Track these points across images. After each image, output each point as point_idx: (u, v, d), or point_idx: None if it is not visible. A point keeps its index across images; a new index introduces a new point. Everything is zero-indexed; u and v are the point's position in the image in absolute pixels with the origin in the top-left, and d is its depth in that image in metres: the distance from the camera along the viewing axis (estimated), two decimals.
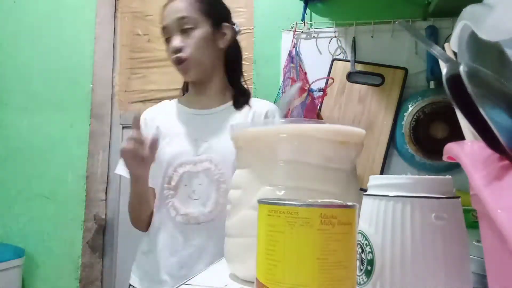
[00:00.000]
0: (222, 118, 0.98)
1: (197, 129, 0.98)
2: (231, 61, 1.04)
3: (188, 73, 0.96)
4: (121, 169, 0.97)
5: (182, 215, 0.93)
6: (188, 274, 0.87)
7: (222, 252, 0.88)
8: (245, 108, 1.00)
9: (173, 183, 0.94)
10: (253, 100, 1.03)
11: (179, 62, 0.94)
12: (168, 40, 0.97)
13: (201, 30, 0.95)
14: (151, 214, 0.99)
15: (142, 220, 0.99)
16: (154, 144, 0.85)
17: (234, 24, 1.05)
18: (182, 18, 0.95)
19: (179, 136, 0.97)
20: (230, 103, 1.00)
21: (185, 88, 1.10)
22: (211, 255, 0.92)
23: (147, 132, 0.96)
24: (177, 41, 0.94)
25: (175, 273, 0.92)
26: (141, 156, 0.84)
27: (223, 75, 1.03)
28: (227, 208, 0.61)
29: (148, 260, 0.97)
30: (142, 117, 1.00)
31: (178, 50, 0.93)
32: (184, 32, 0.94)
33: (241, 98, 1.01)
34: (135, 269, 1.01)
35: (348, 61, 1.40)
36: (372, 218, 0.40)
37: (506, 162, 0.29)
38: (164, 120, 1.00)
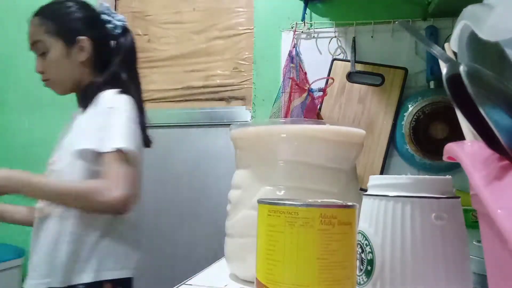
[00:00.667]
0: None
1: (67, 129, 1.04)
2: (126, 61, 1.03)
3: (56, 90, 1.02)
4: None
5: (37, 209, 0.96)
6: None
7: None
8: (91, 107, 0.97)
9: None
10: (102, 98, 0.97)
11: (45, 81, 1.00)
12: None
13: (53, 52, 0.96)
14: None
15: None
16: None
17: (103, 27, 1.01)
18: (34, 43, 0.97)
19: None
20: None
21: None
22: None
23: None
24: (38, 65, 0.98)
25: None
26: None
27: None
28: (227, 208, 0.61)
29: None
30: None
31: (41, 73, 0.99)
32: (41, 55, 0.97)
33: (83, 97, 1.01)
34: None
35: (348, 61, 1.40)
36: (372, 218, 0.40)
37: (506, 162, 0.29)
38: None
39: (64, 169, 0.93)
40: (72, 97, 1.83)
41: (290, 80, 1.41)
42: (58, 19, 0.97)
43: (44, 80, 0.99)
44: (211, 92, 1.61)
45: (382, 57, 1.37)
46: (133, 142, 0.86)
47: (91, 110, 0.95)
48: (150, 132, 1.01)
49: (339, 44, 1.44)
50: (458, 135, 0.37)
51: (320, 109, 1.39)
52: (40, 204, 0.95)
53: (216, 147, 1.58)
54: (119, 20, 1.03)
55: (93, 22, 1.00)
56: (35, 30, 0.96)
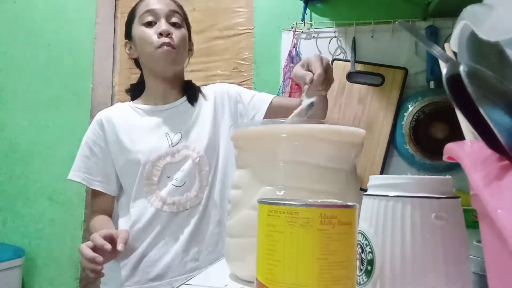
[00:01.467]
0: (183, 111, 1.01)
1: (164, 123, 0.99)
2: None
3: (176, 61, 0.97)
4: (76, 175, 1.00)
5: (169, 204, 0.93)
6: (197, 257, 0.92)
7: (215, 236, 0.95)
8: (201, 100, 1.04)
9: (155, 178, 0.94)
10: (204, 89, 1.08)
11: (171, 46, 0.94)
12: (150, 24, 0.96)
13: (185, 31, 0.99)
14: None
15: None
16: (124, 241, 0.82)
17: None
18: (175, 11, 0.97)
19: (147, 133, 0.97)
20: (184, 98, 1.03)
21: (133, 92, 1.10)
22: (204, 238, 0.94)
23: (104, 134, 0.98)
24: (168, 27, 0.94)
25: (179, 262, 0.92)
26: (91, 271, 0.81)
27: (183, 76, 1.08)
28: (227, 208, 0.61)
29: (137, 259, 0.93)
30: (96, 119, 1.01)
31: (169, 34, 0.94)
32: (171, 25, 0.96)
33: (193, 94, 1.04)
34: (113, 273, 0.95)
35: (348, 61, 1.40)
36: (372, 218, 0.40)
37: (506, 162, 0.29)
38: (123, 120, 1.00)
39: (204, 156, 0.96)
40: (72, 97, 1.81)
41: (290, 80, 1.41)
42: (184, 12, 1.03)
43: (168, 45, 0.93)
44: None
45: (382, 57, 1.37)
46: None
47: (208, 103, 1.03)
48: None
49: (339, 44, 1.44)
50: (458, 135, 0.37)
51: None
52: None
53: None
54: None
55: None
56: (177, 5, 1.00)
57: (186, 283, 0.55)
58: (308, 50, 1.46)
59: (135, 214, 0.95)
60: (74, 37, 1.79)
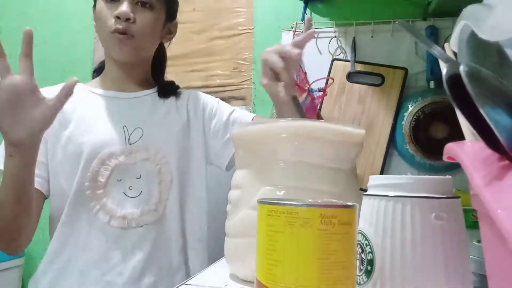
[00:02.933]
0: (150, 104, 0.87)
1: (123, 114, 0.83)
2: (159, 56, 0.95)
3: (131, 52, 0.82)
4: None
5: (119, 217, 0.76)
6: None
7: (173, 265, 0.78)
8: (171, 98, 0.90)
9: (101, 179, 0.76)
10: (182, 90, 0.96)
11: (125, 34, 0.79)
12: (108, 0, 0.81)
13: (156, 15, 0.84)
14: (33, 229, 0.78)
15: (21, 234, 0.73)
16: (68, 90, 0.66)
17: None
18: None
19: (100, 122, 0.81)
20: (154, 90, 0.90)
21: (98, 72, 0.94)
22: (160, 267, 0.77)
23: None
24: (128, 8, 0.79)
25: None
26: (35, 99, 0.63)
27: (150, 64, 0.93)
28: (227, 208, 0.61)
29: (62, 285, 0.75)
30: None
31: (128, 19, 0.79)
32: (137, 6, 0.81)
33: (167, 87, 0.92)
34: None
35: (348, 61, 1.40)
36: (372, 218, 0.40)
37: (506, 162, 0.29)
38: (72, 103, 0.78)
39: (170, 162, 0.82)
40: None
41: None
42: None
43: (126, 31, 0.79)
44: (211, 92, 1.60)
45: (382, 57, 1.37)
46: None
47: (176, 102, 0.91)
48: None
49: (339, 44, 1.44)
50: (458, 135, 0.37)
51: (320, 109, 1.39)
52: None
53: None
54: None
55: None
56: None
57: (186, 283, 0.55)
58: (308, 50, 1.45)
59: (69, 226, 0.76)
60: (74, 37, 1.79)
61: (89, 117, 0.82)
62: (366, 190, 0.43)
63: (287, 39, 1.48)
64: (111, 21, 0.80)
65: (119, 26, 0.79)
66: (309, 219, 0.32)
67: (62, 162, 0.78)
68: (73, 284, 0.75)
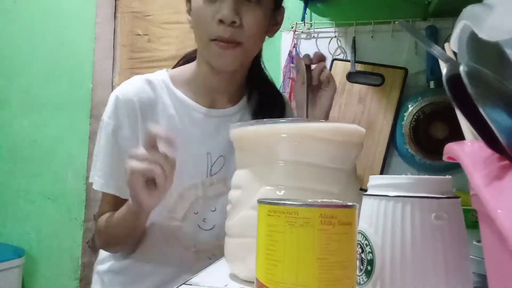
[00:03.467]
0: (240, 119, 0.76)
1: (209, 136, 0.73)
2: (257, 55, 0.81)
3: (235, 62, 0.69)
4: (101, 184, 0.71)
5: (191, 251, 0.74)
6: None
7: None
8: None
9: (180, 212, 0.71)
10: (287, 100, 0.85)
11: (231, 44, 0.66)
12: None
13: (264, 8, 0.69)
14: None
15: (128, 246, 0.75)
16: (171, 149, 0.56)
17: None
18: None
19: (187, 145, 0.70)
20: (244, 100, 0.78)
21: (182, 62, 0.81)
22: None
23: (128, 121, 0.70)
24: (233, 9, 0.64)
25: None
26: (160, 180, 0.56)
27: (248, 68, 0.78)
28: (227, 208, 0.61)
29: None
30: (114, 100, 0.71)
31: (234, 22, 0.65)
32: (242, 4, 0.66)
33: (268, 103, 0.76)
34: None
35: (348, 61, 1.40)
36: (372, 218, 0.39)
37: (506, 162, 0.29)
38: (165, 112, 0.71)
39: None
40: (72, 97, 1.80)
41: (290, 80, 1.41)
42: None
43: (232, 41, 0.67)
44: None
45: (382, 57, 1.37)
46: None
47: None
48: None
49: (339, 44, 1.44)
50: (458, 135, 0.37)
51: None
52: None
53: None
54: None
55: None
56: None
57: (186, 283, 0.55)
58: (308, 50, 1.45)
59: (143, 245, 0.74)
60: (74, 37, 1.79)
61: (178, 135, 0.67)
62: (366, 190, 0.43)
63: (287, 39, 1.48)
64: (212, 26, 0.66)
65: (223, 34, 0.65)
66: (309, 219, 0.32)
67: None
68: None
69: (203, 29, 0.67)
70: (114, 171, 0.71)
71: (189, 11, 0.74)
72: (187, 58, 0.82)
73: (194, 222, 0.73)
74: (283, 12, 0.78)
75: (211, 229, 0.73)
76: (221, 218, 0.68)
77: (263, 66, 0.85)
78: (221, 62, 0.69)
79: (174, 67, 0.82)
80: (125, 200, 0.71)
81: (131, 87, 0.72)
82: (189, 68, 0.78)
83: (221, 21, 0.65)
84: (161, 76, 0.75)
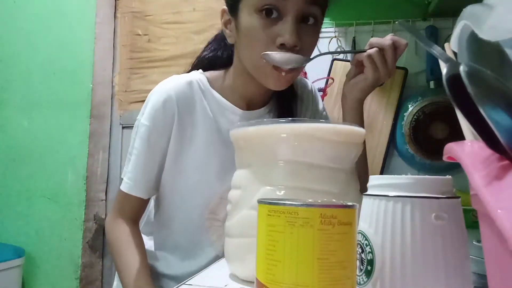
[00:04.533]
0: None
1: None
2: None
3: (287, 85, 0.69)
4: (129, 186, 0.73)
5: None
6: None
7: None
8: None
9: (220, 214, 0.72)
10: (303, 89, 0.84)
11: (290, 70, 0.65)
12: (269, 13, 0.63)
13: (319, 30, 0.71)
14: None
15: None
16: None
17: None
18: (313, 3, 0.66)
19: (226, 148, 0.70)
20: (274, 101, 0.79)
21: (210, 62, 0.80)
22: None
23: (172, 121, 0.70)
24: (296, 35, 0.63)
25: None
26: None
27: None
28: (227, 208, 0.61)
29: None
30: (152, 101, 0.71)
31: (295, 47, 0.63)
32: (302, 23, 0.65)
33: (287, 107, 0.78)
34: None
35: (348, 61, 1.40)
36: (372, 218, 0.39)
37: (506, 162, 0.29)
38: (205, 112, 0.72)
39: None
40: (72, 97, 1.79)
41: None
42: None
43: (287, 71, 0.65)
44: None
45: None
46: None
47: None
48: None
49: (339, 44, 1.44)
50: (458, 135, 0.37)
51: None
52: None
53: None
54: None
55: None
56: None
57: (186, 283, 0.55)
58: None
59: (186, 252, 0.76)
60: (74, 37, 1.79)
61: (214, 137, 0.72)
62: (366, 190, 0.43)
63: None
64: (272, 49, 0.63)
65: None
66: (309, 219, 0.32)
67: (183, 183, 0.73)
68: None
69: (259, 49, 0.64)
70: (144, 175, 0.73)
71: (228, 22, 0.72)
72: (200, 60, 0.82)
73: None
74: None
75: None
76: None
77: None
78: (276, 85, 0.68)
79: (192, 68, 0.81)
80: (147, 202, 0.76)
81: (170, 86, 0.72)
82: (225, 73, 0.78)
83: (282, 45, 0.63)
84: (199, 76, 0.75)
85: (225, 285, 0.54)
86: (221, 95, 0.75)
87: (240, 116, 0.74)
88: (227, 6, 0.71)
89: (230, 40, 0.72)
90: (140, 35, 1.74)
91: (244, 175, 0.58)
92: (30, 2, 1.84)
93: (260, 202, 0.36)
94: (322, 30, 1.44)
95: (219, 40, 0.82)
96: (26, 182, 1.76)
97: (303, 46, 0.65)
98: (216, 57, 0.80)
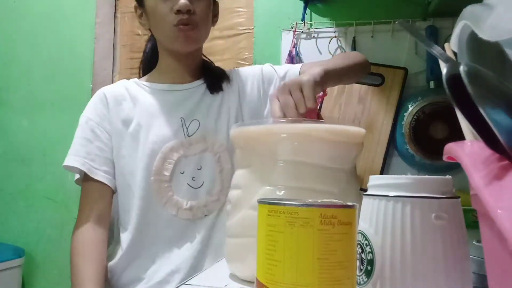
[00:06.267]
0: (202, 94, 0.88)
1: (179, 106, 0.85)
2: None
3: (196, 42, 0.84)
4: (74, 160, 0.83)
5: (185, 210, 0.80)
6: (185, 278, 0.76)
7: (223, 246, 0.79)
8: (224, 85, 0.91)
9: (166, 173, 0.79)
10: (229, 73, 0.95)
11: (190, 25, 0.80)
12: None
13: (207, 1, 0.85)
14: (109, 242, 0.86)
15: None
16: None
17: None
18: None
19: (159, 117, 0.83)
20: (202, 79, 0.90)
21: (146, 65, 0.96)
22: (215, 248, 0.81)
23: (109, 115, 0.84)
24: (187, 1, 0.79)
25: (169, 278, 0.79)
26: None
27: (201, 53, 0.94)
28: (227, 208, 0.61)
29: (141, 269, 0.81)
30: (99, 95, 0.87)
31: (189, 11, 0.79)
32: None
33: (218, 79, 0.91)
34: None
35: None
36: (372, 218, 0.40)
37: (506, 162, 0.29)
38: (132, 101, 0.85)
39: (223, 153, 0.83)
40: (72, 97, 1.79)
41: None
42: None
43: (190, 22, 0.80)
44: None
45: (382, 57, 1.37)
46: None
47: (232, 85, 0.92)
48: None
49: (339, 44, 1.44)
50: (458, 135, 0.37)
51: (320, 109, 1.39)
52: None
53: None
54: None
55: None
56: None
57: (186, 283, 0.55)
58: (308, 50, 1.46)
59: (141, 220, 0.81)
60: (74, 37, 1.79)
61: (149, 113, 0.84)
62: (366, 190, 0.43)
63: (287, 39, 1.48)
64: (171, 16, 0.79)
65: (183, 18, 0.79)
66: (309, 219, 0.32)
67: (127, 159, 0.82)
68: (144, 271, 0.81)
69: (163, 19, 0.80)
70: (82, 146, 0.84)
71: (140, 15, 0.90)
72: (146, 60, 0.97)
73: (183, 182, 0.81)
74: (218, 7, 0.93)
75: (200, 186, 0.81)
76: (208, 174, 0.82)
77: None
78: (185, 44, 0.82)
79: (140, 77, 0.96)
80: (107, 194, 0.84)
81: (103, 88, 0.89)
82: (155, 66, 0.93)
83: (178, 11, 0.79)
84: (131, 80, 0.91)
85: (225, 285, 0.54)
86: (150, 81, 0.89)
87: (168, 90, 0.87)
88: (136, 1, 0.90)
89: (145, 28, 0.89)
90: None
91: (244, 175, 0.58)
92: (30, 2, 1.84)
93: (260, 202, 0.36)
94: (322, 30, 1.46)
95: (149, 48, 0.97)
96: (26, 182, 1.76)
97: (196, 8, 0.81)
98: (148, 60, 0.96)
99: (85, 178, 0.84)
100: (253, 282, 0.36)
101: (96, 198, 0.83)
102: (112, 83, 1.76)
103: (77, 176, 0.87)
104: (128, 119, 0.84)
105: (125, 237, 0.83)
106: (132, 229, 0.82)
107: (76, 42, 1.78)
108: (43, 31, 1.81)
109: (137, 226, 0.82)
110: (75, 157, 0.84)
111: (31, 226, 1.73)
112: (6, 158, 1.80)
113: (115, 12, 1.79)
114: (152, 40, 0.94)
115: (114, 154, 0.84)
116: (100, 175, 0.82)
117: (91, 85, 1.75)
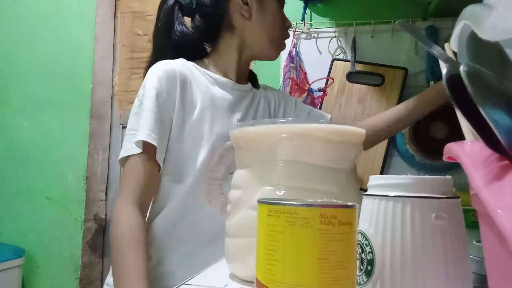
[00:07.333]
0: (251, 98, 0.90)
1: (238, 106, 0.85)
2: None
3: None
4: (146, 134, 0.71)
5: (225, 207, 0.75)
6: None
7: None
8: (260, 90, 0.96)
9: (219, 173, 0.78)
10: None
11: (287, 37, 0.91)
12: (282, 5, 0.90)
13: None
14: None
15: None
16: None
17: None
18: None
19: (222, 112, 0.81)
20: (250, 85, 0.93)
21: (186, 47, 0.86)
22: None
23: (179, 91, 0.76)
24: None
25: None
26: None
27: None
28: (227, 208, 0.61)
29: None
30: (166, 71, 0.76)
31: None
32: None
33: (256, 80, 0.97)
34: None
35: (348, 61, 1.40)
36: (372, 218, 0.40)
37: (506, 162, 0.29)
38: (196, 85, 0.80)
39: None
40: (72, 97, 1.79)
41: (290, 80, 1.41)
42: None
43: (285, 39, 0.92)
44: None
45: (382, 57, 1.37)
46: None
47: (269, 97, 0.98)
48: None
49: (339, 44, 1.44)
50: (458, 135, 0.37)
51: (320, 109, 1.39)
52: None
53: None
54: None
55: None
56: None
57: (186, 283, 0.55)
58: (308, 50, 1.46)
59: (185, 210, 0.77)
60: (74, 37, 1.79)
61: (212, 105, 0.80)
62: (366, 190, 0.43)
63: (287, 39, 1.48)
64: (283, 29, 0.89)
65: (287, 34, 0.90)
66: (309, 219, 0.32)
67: (185, 145, 0.77)
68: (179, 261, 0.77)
69: (277, 28, 0.87)
70: (160, 128, 0.73)
71: (254, 5, 0.85)
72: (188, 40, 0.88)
73: (229, 185, 0.76)
74: None
75: None
76: None
77: None
78: (277, 54, 0.90)
79: (151, 62, 0.85)
80: (155, 177, 0.74)
81: (167, 63, 0.79)
82: (206, 60, 0.89)
83: (287, 28, 0.90)
84: (190, 63, 0.83)
85: (225, 285, 0.54)
86: (216, 73, 0.86)
87: (231, 87, 0.86)
88: None
89: (246, 14, 0.85)
90: (140, 35, 1.74)
91: (244, 175, 0.58)
92: (30, 2, 1.84)
93: (260, 202, 0.36)
94: (322, 30, 1.46)
95: (161, 33, 0.88)
96: (26, 182, 1.76)
97: None
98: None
99: (140, 157, 0.72)
100: (253, 282, 0.36)
101: (149, 180, 0.73)
102: (112, 83, 1.76)
103: (128, 153, 0.72)
104: (191, 104, 0.78)
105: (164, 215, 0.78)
106: (173, 211, 0.78)
107: (76, 42, 1.78)
108: (43, 31, 1.81)
109: (179, 209, 0.78)
110: (151, 134, 0.71)
111: (31, 226, 1.73)
112: (6, 158, 1.80)
113: (115, 12, 1.79)
114: (189, 35, 0.85)
115: (172, 135, 0.77)
116: (161, 156, 0.74)
117: (91, 85, 1.75)
